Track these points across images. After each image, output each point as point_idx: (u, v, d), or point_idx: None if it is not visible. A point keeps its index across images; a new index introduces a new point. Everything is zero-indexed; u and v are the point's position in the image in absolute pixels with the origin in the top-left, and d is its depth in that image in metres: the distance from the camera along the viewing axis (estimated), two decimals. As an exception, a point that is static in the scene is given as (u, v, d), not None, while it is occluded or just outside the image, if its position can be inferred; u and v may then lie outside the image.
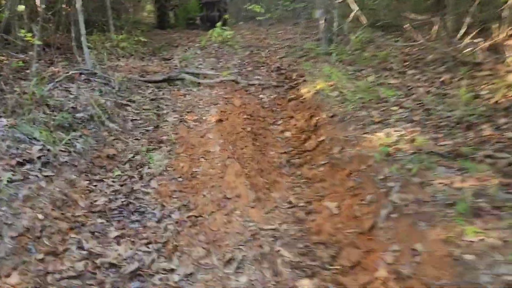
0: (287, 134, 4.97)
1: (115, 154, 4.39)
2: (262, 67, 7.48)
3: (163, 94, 6.20)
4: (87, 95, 5.11)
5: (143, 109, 5.51)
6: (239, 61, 7.98)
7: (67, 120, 4.39)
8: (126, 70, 6.66)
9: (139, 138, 4.79)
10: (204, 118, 5.41)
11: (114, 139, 4.62)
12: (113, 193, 3.66)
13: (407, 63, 6.50)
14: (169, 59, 7.93)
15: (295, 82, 6.31)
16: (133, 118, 5.20)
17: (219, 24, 9.16)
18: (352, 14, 7.03)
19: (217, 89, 6.46)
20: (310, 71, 6.51)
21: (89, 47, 7.71)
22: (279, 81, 6.67)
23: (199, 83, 6.61)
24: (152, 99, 5.88)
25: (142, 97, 5.96)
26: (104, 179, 3.85)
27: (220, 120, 5.28)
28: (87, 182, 3.72)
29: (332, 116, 4.67)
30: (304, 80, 6.18)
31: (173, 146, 4.61)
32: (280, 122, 5.37)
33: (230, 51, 8.83)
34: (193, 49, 9.17)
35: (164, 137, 4.83)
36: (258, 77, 6.94)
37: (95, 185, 3.73)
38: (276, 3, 15.51)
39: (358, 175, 3.53)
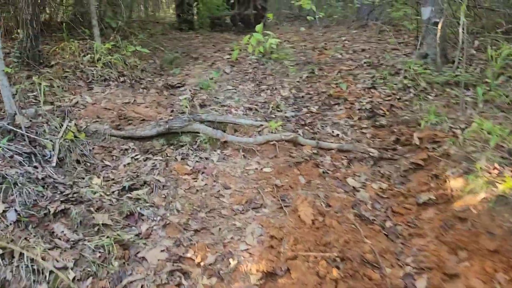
0: None
1: None
2: (336, 105, 4.24)
3: (152, 169, 3.08)
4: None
5: (94, 225, 2.42)
6: (294, 90, 4.77)
7: None
8: (90, 115, 3.59)
9: None
10: (231, 259, 2.26)
11: None
12: None
13: None
14: (178, 87, 4.80)
15: (423, 155, 3.04)
16: (59, 266, 2.11)
17: (259, 27, 5.97)
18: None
19: (259, 158, 3.29)
20: (449, 127, 3.24)
21: (46, 65, 4.74)
22: (381, 144, 3.41)
23: (224, 142, 3.46)
24: (124, 189, 2.78)
25: (107, 181, 2.87)
26: None
27: (271, 276, 2.13)
28: None
29: None
30: (447, 153, 2.91)
31: None
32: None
33: (276, 70, 5.63)
34: (220, 64, 6.04)
35: None
36: (335, 130, 3.71)
37: None
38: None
39: None
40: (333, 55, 6.24)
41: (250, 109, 4.13)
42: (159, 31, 8.84)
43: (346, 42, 7.22)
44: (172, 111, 3.92)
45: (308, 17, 7.92)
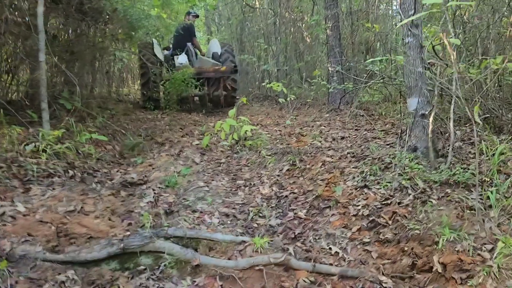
0: None
1: None
2: (327, 209, 3.63)
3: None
4: None
5: None
6: (275, 187, 4.16)
7: None
8: (19, 232, 2.75)
9: None
10: None
11: None
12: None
13: None
14: (140, 184, 4.06)
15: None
16: None
17: (232, 113, 5.56)
18: None
19: (242, 290, 2.54)
20: (472, 247, 2.67)
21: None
22: (393, 268, 2.77)
23: (196, 266, 2.69)
24: None
25: None
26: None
27: None
28: None
29: None
30: (484, 289, 2.30)
31: None
32: None
33: (252, 161, 5.07)
34: (188, 152, 5.41)
35: None
36: (332, 246, 3.05)
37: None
38: (297, 80, 12.30)
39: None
40: (312, 142, 5.80)
41: (227, 215, 3.43)
42: (121, 111, 8.22)
43: (323, 127, 6.89)
44: (129, 223, 3.13)
45: (280, 100, 7.65)
